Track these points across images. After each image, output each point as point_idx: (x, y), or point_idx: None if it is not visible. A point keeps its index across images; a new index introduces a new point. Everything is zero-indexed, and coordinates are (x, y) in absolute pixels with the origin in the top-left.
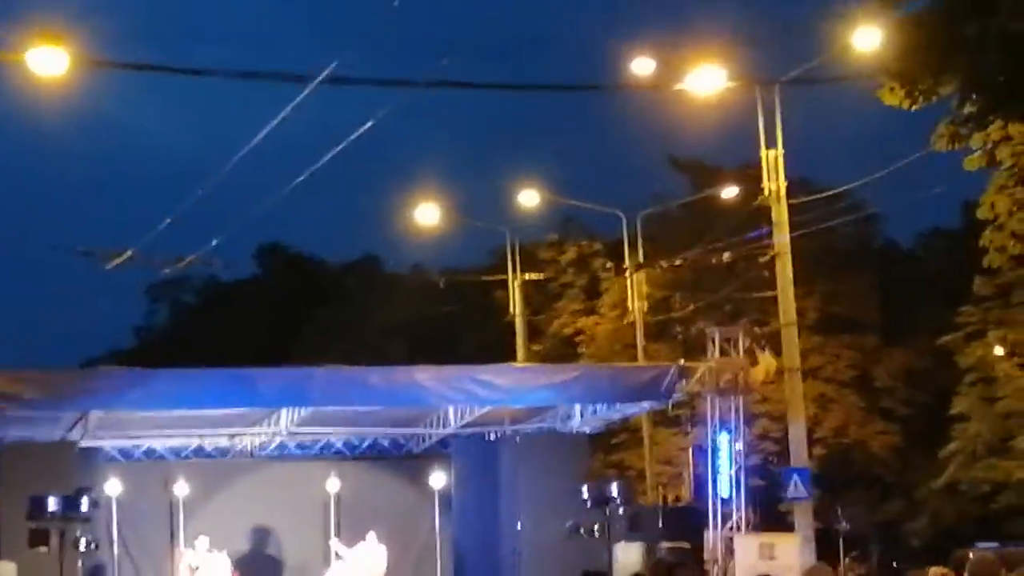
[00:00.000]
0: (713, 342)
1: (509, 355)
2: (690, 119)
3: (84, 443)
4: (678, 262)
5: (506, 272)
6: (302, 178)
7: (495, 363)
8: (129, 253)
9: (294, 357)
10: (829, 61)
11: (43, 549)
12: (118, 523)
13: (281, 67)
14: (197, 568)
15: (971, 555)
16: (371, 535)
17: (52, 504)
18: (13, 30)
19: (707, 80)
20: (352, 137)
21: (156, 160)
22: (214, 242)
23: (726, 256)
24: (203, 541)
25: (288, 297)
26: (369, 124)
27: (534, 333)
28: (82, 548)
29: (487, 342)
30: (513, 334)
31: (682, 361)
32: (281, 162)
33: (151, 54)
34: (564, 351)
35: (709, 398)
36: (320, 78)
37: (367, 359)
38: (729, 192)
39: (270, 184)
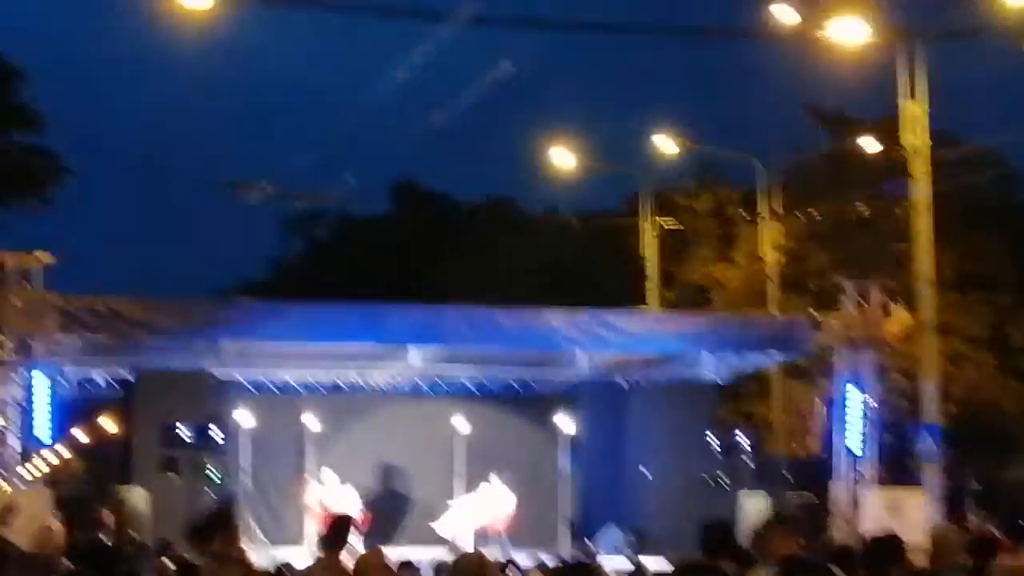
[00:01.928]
0: (847, 294)
1: (640, 301)
2: (831, 69)
3: (217, 374)
4: (814, 213)
5: (640, 217)
6: (440, 119)
7: (627, 307)
8: (266, 186)
9: (425, 295)
10: (974, 13)
11: (174, 476)
12: (249, 454)
13: (423, 4)
14: (324, 500)
15: None
16: (495, 476)
17: (184, 433)
18: None
19: (849, 31)
20: (492, 79)
21: (296, 95)
22: (350, 179)
23: (863, 209)
24: (329, 474)
25: (421, 235)
26: (509, 67)
27: (667, 280)
28: (212, 477)
29: (620, 287)
30: (645, 280)
31: (815, 313)
32: (418, 101)
33: None
34: (696, 299)
35: (841, 351)
36: (460, 17)
37: (498, 300)
38: (868, 144)
39: (407, 122)
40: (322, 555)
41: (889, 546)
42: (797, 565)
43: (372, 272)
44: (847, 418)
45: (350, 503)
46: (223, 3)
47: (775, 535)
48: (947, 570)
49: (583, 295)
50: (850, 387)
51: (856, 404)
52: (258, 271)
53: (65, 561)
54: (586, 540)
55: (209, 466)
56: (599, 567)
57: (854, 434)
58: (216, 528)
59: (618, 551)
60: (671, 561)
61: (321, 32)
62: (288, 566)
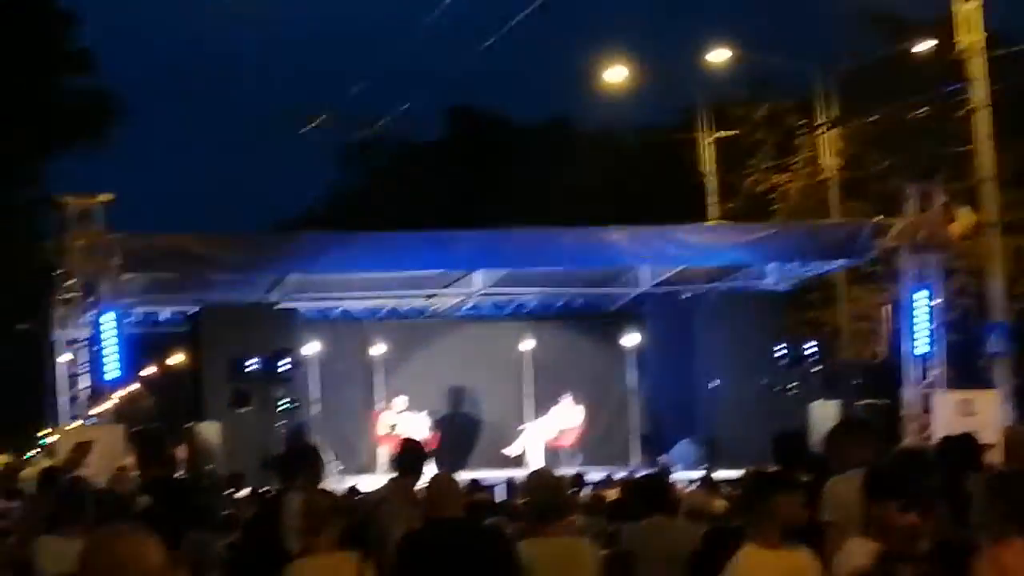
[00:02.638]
0: (910, 198)
1: (701, 214)
2: None
3: (282, 305)
4: (873, 118)
5: (697, 130)
6: (493, 40)
7: (687, 222)
8: (323, 117)
9: (486, 219)
10: None
11: (245, 409)
12: (318, 384)
13: None
14: (395, 426)
15: None
16: (566, 396)
17: (253, 365)
18: None
19: None
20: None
21: (348, 22)
22: (405, 105)
23: (922, 112)
24: (401, 400)
25: (479, 159)
26: None
27: (726, 191)
28: (282, 408)
29: (679, 201)
30: (705, 193)
31: (879, 218)
32: (470, 25)
33: None
34: (757, 209)
35: (906, 254)
36: None
37: (558, 219)
38: (924, 46)
39: (460, 45)
40: (396, 478)
41: (964, 446)
42: (888, 466)
43: (432, 198)
44: (915, 321)
45: (419, 428)
46: None
47: (849, 442)
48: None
49: (643, 210)
50: (918, 290)
51: (923, 306)
52: (318, 202)
53: (142, 498)
54: (659, 455)
55: (279, 397)
56: (670, 481)
57: (922, 337)
58: (301, 462)
59: (692, 465)
60: (747, 471)
61: None
62: (356, 489)
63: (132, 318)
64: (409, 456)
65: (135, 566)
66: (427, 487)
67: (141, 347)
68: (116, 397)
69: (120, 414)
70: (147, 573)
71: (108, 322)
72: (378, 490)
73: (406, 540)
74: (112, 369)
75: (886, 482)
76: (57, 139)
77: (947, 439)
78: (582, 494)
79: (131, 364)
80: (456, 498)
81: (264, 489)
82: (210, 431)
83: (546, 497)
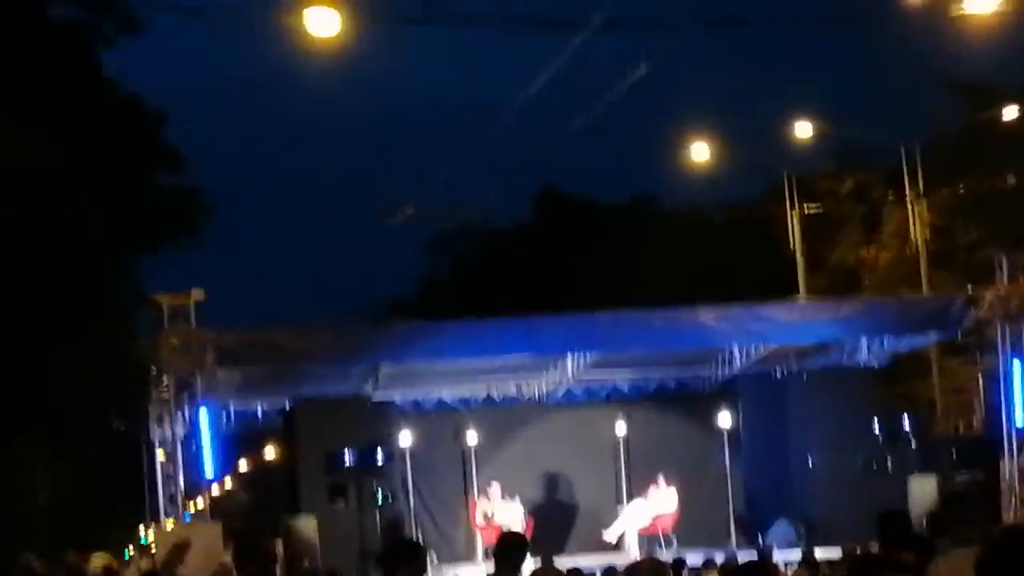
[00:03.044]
0: (1001, 267)
1: (790, 289)
2: (966, 41)
3: (376, 396)
4: (961, 188)
5: (783, 205)
6: (579, 124)
7: (776, 298)
8: (410, 208)
9: (575, 301)
10: None
11: (342, 503)
12: (412, 474)
13: (547, 12)
14: (492, 515)
15: None
16: (660, 478)
17: (348, 458)
18: None
19: (983, 2)
20: (629, 82)
21: (430, 114)
22: (491, 195)
23: (1010, 180)
24: (496, 488)
25: (566, 241)
26: (643, 69)
27: (814, 266)
28: (379, 501)
29: (767, 277)
30: (793, 268)
31: (969, 288)
32: (554, 109)
33: (418, 8)
34: (846, 283)
35: (999, 324)
36: (594, 25)
37: (647, 300)
38: (1010, 114)
39: (543, 131)
40: (496, 572)
41: None
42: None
43: (520, 282)
44: (1011, 392)
45: (515, 515)
46: (350, 28)
47: (954, 518)
48: None
49: (732, 288)
50: (1013, 360)
51: (1019, 377)
52: (407, 292)
53: None
54: (758, 535)
55: (375, 489)
56: (773, 563)
57: (1019, 408)
58: (403, 557)
59: (790, 545)
60: (845, 551)
61: (452, 51)
62: None
63: (227, 414)
64: (509, 547)
65: None
66: None
67: (237, 443)
68: (213, 494)
69: (216, 511)
70: None
71: (203, 419)
72: None
73: None
74: (208, 466)
75: (1006, 565)
76: (153, 238)
77: None
78: None
79: (227, 461)
80: None
81: None
82: (307, 526)
83: None
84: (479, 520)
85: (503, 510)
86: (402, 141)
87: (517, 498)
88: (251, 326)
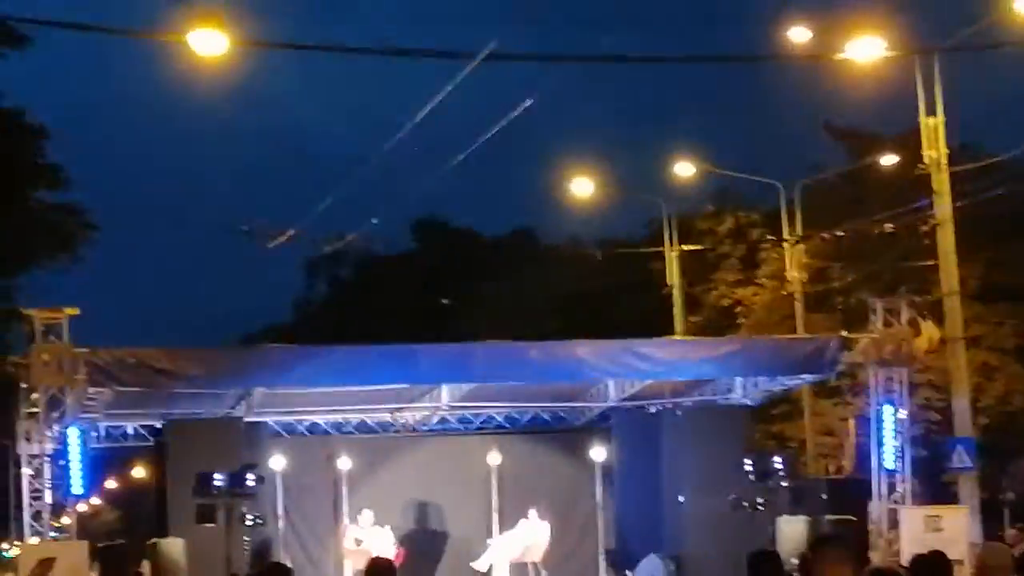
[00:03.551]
0: (875, 312)
1: (667, 327)
2: (847, 88)
3: (248, 419)
4: (839, 232)
5: (663, 243)
6: (461, 157)
7: (654, 335)
8: (291, 232)
9: (451, 332)
10: (989, 26)
11: (210, 525)
12: (283, 498)
13: (435, 44)
14: (362, 542)
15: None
16: (532, 511)
17: (218, 480)
18: (173, 13)
19: (865, 49)
20: (512, 115)
21: (313, 139)
22: (374, 220)
23: (887, 226)
24: (367, 515)
25: (445, 271)
26: (528, 102)
27: (692, 304)
28: (248, 523)
29: (645, 314)
30: (671, 306)
31: (844, 332)
32: (436, 138)
33: (306, 33)
34: (722, 322)
35: (872, 369)
36: (480, 56)
37: (524, 333)
38: (888, 160)
39: (426, 160)
40: None
41: (936, 565)
42: None
43: (398, 310)
44: (882, 436)
45: (385, 543)
46: (237, 50)
47: (822, 560)
48: None
49: (609, 323)
50: (884, 405)
51: (890, 421)
52: (283, 314)
53: None
54: (626, 572)
55: (245, 512)
56: None
57: (889, 452)
58: None
59: None
60: None
61: (338, 78)
62: None
63: (97, 432)
64: (379, 573)
65: None
66: None
67: (106, 461)
68: (80, 512)
69: (83, 529)
70: None
71: (73, 437)
72: None
73: None
74: (76, 484)
75: None
76: (28, 254)
77: (919, 557)
78: None
79: (96, 479)
80: None
81: None
82: (175, 548)
83: None
84: (349, 546)
85: (373, 537)
86: (285, 165)
87: (388, 527)
88: (124, 345)
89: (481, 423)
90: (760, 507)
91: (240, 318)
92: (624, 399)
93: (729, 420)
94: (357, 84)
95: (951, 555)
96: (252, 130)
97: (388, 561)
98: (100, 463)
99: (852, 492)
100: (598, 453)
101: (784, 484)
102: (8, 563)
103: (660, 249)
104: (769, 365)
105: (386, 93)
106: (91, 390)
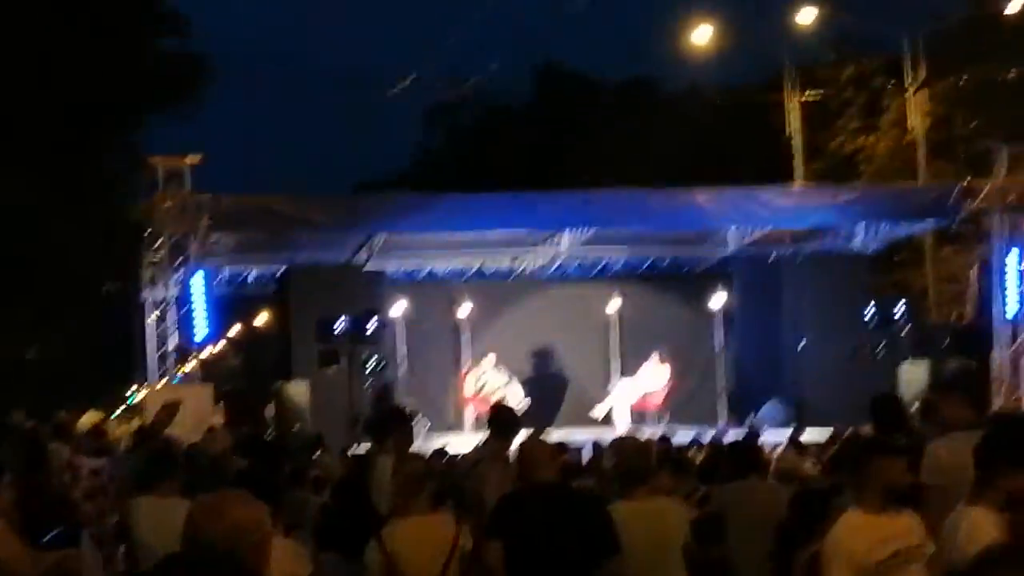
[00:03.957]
0: (999, 159)
1: (788, 175)
2: None
3: (369, 266)
4: (961, 80)
5: (783, 91)
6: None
7: (774, 183)
8: (412, 78)
9: (572, 179)
10: None
11: (333, 369)
12: (404, 344)
13: None
14: (484, 386)
15: None
16: (653, 355)
17: (340, 325)
18: None
19: None
20: None
21: None
22: (493, 65)
23: (1011, 72)
24: (489, 359)
25: (565, 119)
26: None
27: (813, 153)
28: (370, 368)
29: (766, 163)
30: (792, 154)
31: (968, 179)
32: None
33: None
34: (844, 170)
35: (996, 215)
36: None
37: (645, 181)
38: (1013, 7)
39: (545, 4)
40: (489, 441)
41: None
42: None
43: (518, 158)
44: (1005, 283)
45: (507, 389)
46: None
47: (946, 403)
48: None
49: (729, 171)
50: (1008, 251)
51: (1013, 268)
52: (405, 163)
53: (234, 458)
54: (749, 414)
55: (366, 357)
56: (757, 443)
57: (1013, 298)
58: (393, 424)
59: (780, 425)
60: (835, 433)
61: None
62: (443, 450)
63: (220, 278)
64: (503, 419)
65: (245, 529)
66: (520, 450)
67: (229, 307)
68: (204, 357)
69: (208, 374)
70: (256, 536)
71: (196, 282)
72: (471, 452)
73: (503, 503)
74: (201, 329)
75: (1010, 450)
76: (151, 102)
77: None
78: (670, 455)
79: (219, 324)
80: (549, 462)
81: (352, 450)
82: (298, 391)
83: (634, 462)
84: (470, 391)
85: (495, 381)
86: (402, 10)
87: (509, 371)
88: (247, 191)
89: (601, 269)
90: (881, 353)
91: (360, 167)
92: (744, 246)
93: (850, 267)
94: None
95: None
96: None
97: (511, 409)
98: (224, 308)
99: (975, 338)
100: (718, 299)
101: (905, 331)
102: (134, 407)
103: (780, 96)
104: (890, 211)
105: None
106: (214, 236)
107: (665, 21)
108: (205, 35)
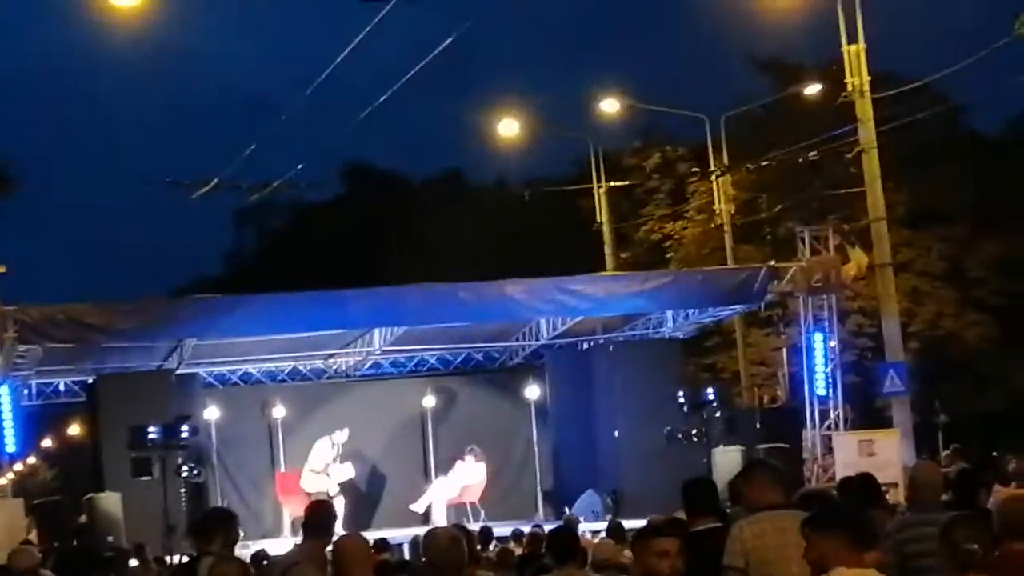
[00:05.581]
0: (803, 241)
1: (597, 264)
2: (770, 18)
3: (180, 371)
4: (764, 163)
5: (591, 181)
6: (384, 97)
7: (585, 273)
8: (215, 182)
9: (383, 276)
10: None
11: (146, 478)
12: (218, 448)
13: None
14: (328, 465)
15: None
16: (468, 455)
17: (152, 433)
18: None
19: None
20: (435, 52)
21: (236, 85)
22: (299, 165)
23: (812, 155)
24: (342, 434)
25: (374, 216)
26: (450, 39)
27: (622, 241)
28: (184, 474)
29: (575, 252)
30: (600, 243)
31: (773, 262)
32: (360, 80)
33: None
34: (652, 257)
35: (801, 297)
36: None
37: (455, 275)
38: (812, 90)
39: (351, 103)
40: (305, 541)
41: (863, 485)
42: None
43: (328, 257)
44: (813, 363)
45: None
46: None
47: (750, 487)
48: (929, 506)
49: (540, 263)
50: (814, 332)
51: (820, 349)
52: (213, 266)
53: (45, 572)
54: (565, 508)
55: (180, 464)
56: (576, 533)
57: (821, 379)
58: (216, 528)
59: (597, 517)
60: (651, 521)
61: (258, 22)
62: (263, 552)
63: (29, 390)
64: (319, 519)
65: None
66: (335, 549)
67: (39, 419)
68: (15, 471)
69: (21, 489)
70: None
71: (3, 396)
72: (289, 553)
73: None
74: (10, 443)
75: (831, 516)
76: None
77: (847, 479)
78: (490, 549)
79: (29, 437)
80: (366, 559)
81: (170, 557)
82: (111, 501)
83: (446, 555)
84: (306, 484)
85: (324, 478)
86: (207, 114)
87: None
88: (53, 301)
89: (414, 366)
90: (695, 439)
91: (170, 272)
92: (556, 336)
93: (661, 354)
94: (276, 29)
95: (885, 478)
96: (170, 78)
97: (327, 504)
98: (35, 420)
99: (786, 420)
100: (532, 391)
101: (718, 415)
102: None
103: (588, 186)
104: (699, 297)
105: (307, 36)
106: (20, 348)
107: (470, 117)
108: (7, 143)
